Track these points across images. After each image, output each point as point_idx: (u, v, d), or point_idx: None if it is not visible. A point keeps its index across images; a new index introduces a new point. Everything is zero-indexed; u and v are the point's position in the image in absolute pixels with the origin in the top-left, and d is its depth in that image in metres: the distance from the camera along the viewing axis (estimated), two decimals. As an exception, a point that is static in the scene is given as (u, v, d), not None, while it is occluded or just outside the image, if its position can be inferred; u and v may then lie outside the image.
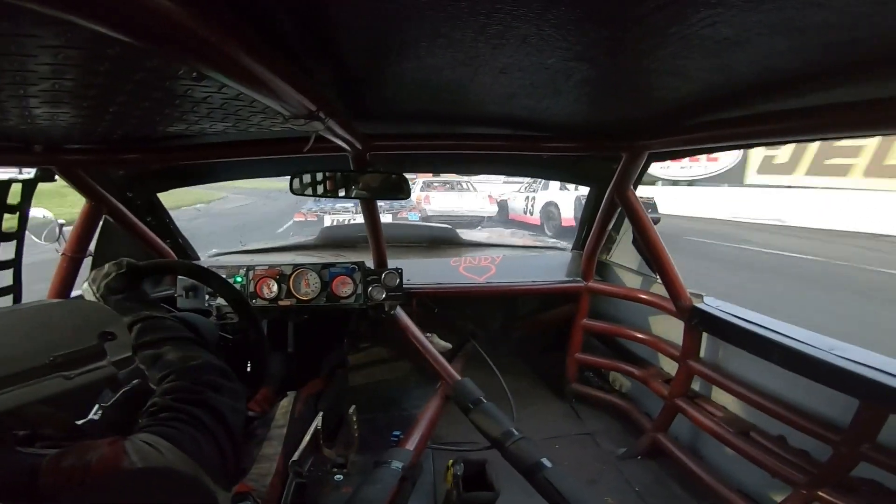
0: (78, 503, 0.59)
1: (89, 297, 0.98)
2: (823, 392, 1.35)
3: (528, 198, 11.77)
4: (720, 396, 1.83)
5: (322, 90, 0.96)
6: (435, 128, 1.66)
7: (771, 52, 0.75)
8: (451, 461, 1.60)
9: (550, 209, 10.77)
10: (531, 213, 11.53)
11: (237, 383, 0.87)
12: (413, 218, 9.05)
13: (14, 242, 1.17)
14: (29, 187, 1.21)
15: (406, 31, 0.72)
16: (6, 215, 1.11)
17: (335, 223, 8.14)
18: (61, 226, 1.71)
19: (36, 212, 1.67)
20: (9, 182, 1.04)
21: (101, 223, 1.74)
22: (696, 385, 1.93)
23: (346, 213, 8.96)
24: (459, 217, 10.63)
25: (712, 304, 1.85)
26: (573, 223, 9.08)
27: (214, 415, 0.76)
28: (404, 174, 1.66)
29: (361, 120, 1.41)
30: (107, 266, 1.01)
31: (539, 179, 10.67)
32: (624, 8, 0.61)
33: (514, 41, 0.74)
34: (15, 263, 1.12)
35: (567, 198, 10.20)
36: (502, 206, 12.98)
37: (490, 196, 11.97)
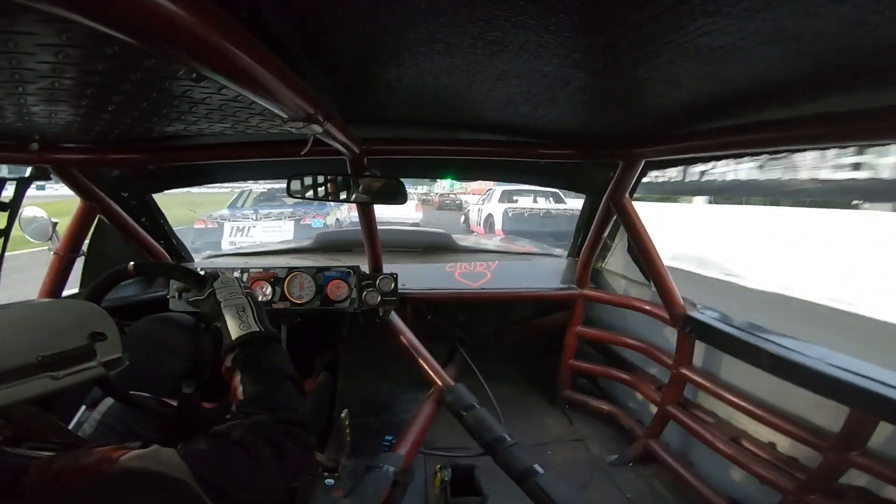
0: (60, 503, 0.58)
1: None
2: (813, 399, 1.36)
3: (479, 210, 12.61)
4: (711, 403, 1.84)
5: (320, 93, 0.97)
6: (432, 133, 1.66)
7: (765, 61, 0.76)
8: (438, 466, 1.60)
9: (491, 220, 11.60)
10: (479, 224, 12.37)
11: (314, 438, 0.94)
12: (316, 224, 8.72)
13: None
14: (22, 185, 1.20)
15: (404, 36, 0.72)
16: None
17: (235, 232, 8.00)
18: (54, 225, 1.70)
19: (29, 210, 1.66)
20: (2, 180, 1.04)
21: (94, 223, 1.73)
22: (688, 392, 1.94)
23: (255, 221, 8.32)
24: (383, 223, 10.60)
25: (705, 313, 1.86)
26: (501, 234, 10.23)
27: (280, 459, 0.78)
28: (401, 179, 1.66)
29: (359, 124, 1.41)
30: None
31: (490, 193, 12.18)
32: (621, 16, 0.62)
33: (512, 48, 0.74)
34: None
35: (500, 210, 11.13)
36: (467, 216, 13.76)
37: (417, 203, 12.45)
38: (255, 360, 0.93)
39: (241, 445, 0.75)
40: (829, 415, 1.35)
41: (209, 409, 1.24)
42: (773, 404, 1.53)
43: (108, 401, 1.27)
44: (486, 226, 11.71)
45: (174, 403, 1.29)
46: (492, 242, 3.90)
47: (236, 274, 1.98)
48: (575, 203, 11.04)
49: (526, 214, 11.06)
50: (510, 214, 10.96)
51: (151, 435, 1.23)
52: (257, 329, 0.97)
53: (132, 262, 1.20)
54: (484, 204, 12.42)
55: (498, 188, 11.94)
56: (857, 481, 1.30)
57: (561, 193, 11.30)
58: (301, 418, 0.87)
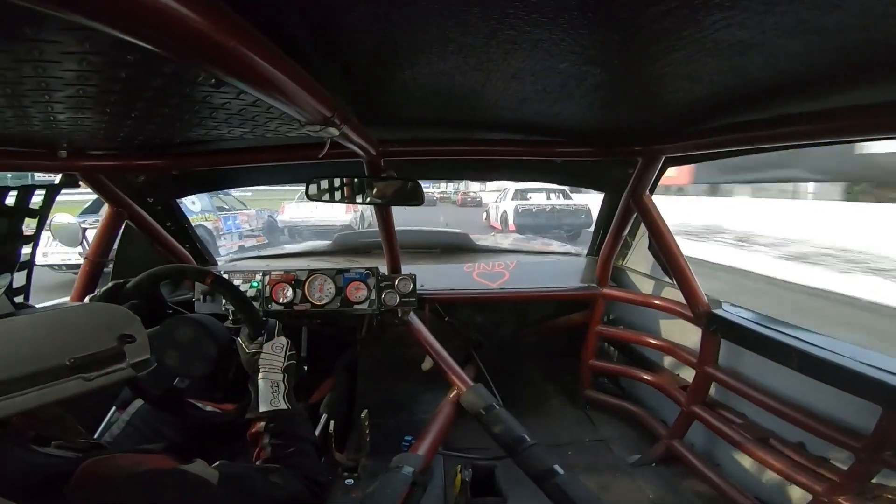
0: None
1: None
2: (844, 399, 1.32)
3: (496, 208, 13.53)
4: (738, 403, 1.79)
5: (336, 96, 0.98)
6: (448, 133, 1.66)
7: (786, 55, 0.74)
8: (459, 466, 1.59)
9: (505, 217, 12.50)
10: (497, 220, 13.33)
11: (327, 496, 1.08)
12: (229, 227, 9.03)
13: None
14: (51, 193, 1.24)
15: (417, 37, 0.72)
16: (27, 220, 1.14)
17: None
18: (84, 230, 1.75)
19: (60, 217, 1.72)
20: (32, 187, 1.07)
21: (122, 228, 1.78)
22: (713, 391, 1.90)
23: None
24: (310, 227, 11.08)
25: (730, 310, 1.82)
26: (513, 228, 11.68)
27: (295, 492, 0.90)
28: (419, 180, 1.67)
29: (375, 125, 1.42)
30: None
31: (506, 192, 13.08)
32: (635, 12, 0.61)
33: (525, 46, 0.74)
34: (29, 265, 1.15)
35: (512, 207, 12.22)
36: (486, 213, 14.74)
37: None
38: (283, 429, 1.06)
39: (268, 473, 0.89)
40: (861, 414, 1.31)
41: (229, 411, 1.29)
42: (803, 403, 1.49)
43: (138, 402, 1.32)
44: (502, 222, 12.46)
45: (202, 405, 1.34)
46: (510, 242, 3.88)
47: (258, 276, 2.02)
48: (579, 198, 12.14)
49: (534, 210, 12.06)
50: (520, 211, 11.88)
51: (176, 437, 1.28)
52: (284, 408, 1.09)
53: (212, 274, 1.33)
54: (500, 202, 13.26)
55: (512, 187, 12.64)
56: (891, 482, 1.26)
57: (567, 190, 12.27)
58: (321, 479, 1.00)
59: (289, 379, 1.14)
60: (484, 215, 14.60)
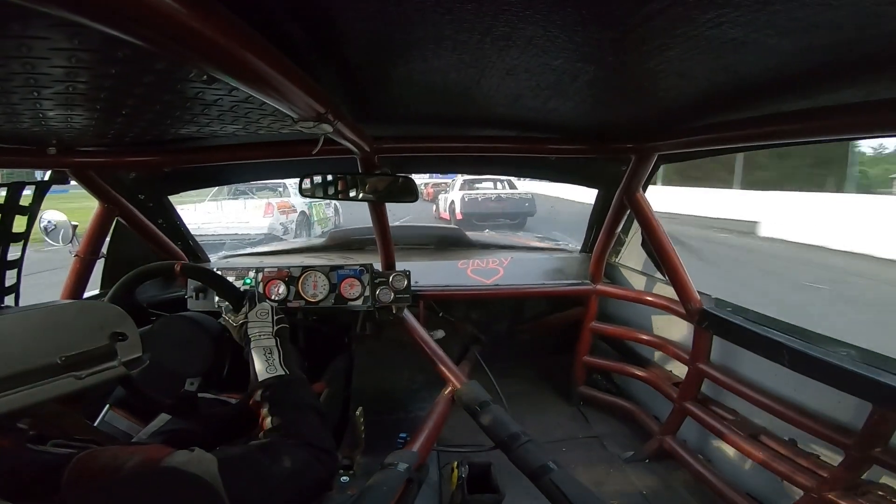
0: (100, 501, 0.60)
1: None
2: (835, 395, 1.33)
3: (445, 199, 13.25)
4: (730, 399, 1.81)
5: (330, 92, 0.97)
6: (442, 129, 1.66)
7: (779, 53, 0.75)
8: (455, 463, 1.60)
9: (453, 206, 12.31)
10: (445, 210, 12.99)
11: (335, 463, 0.96)
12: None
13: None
14: (41, 189, 1.23)
15: (411, 33, 0.72)
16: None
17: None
18: (74, 227, 1.73)
19: (49, 214, 1.70)
20: (22, 184, 1.06)
21: (113, 225, 1.76)
22: (705, 388, 1.92)
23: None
24: (204, 236, 8.99)
25: (723, 307, 1.83)
26: (460, 217, 11.68)
27: (301, 472, 0.82)
28: (412, 176, 1.66)
29: (369, 122, 1.41)
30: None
31: (454, 182, 12.97)
32: (629, 9, 0.61)
33: (520, 43, 0.74)
34: (19, 263, 1.14)
35: (459, 196, 12.12)
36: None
37: (269, 203, 8.87)
38: (282, 396, 0.98)
39: (268, 450, 0.80)
40: (851, 411, 1.32)
41: (240, 399, 1.27)
42: (794, 400, 1.51)
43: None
44: (450, 212, 12.46)
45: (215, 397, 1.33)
46: (504, 238, 3.89)
47: (251, 273, 2.01)
48: (524, 186, 12.45)
49: (480, 199, 12.12)
50: (466, 200, 11.95)
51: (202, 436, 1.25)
52: (282, 373, 1.02)
53: (180, 262, 1.26)
54: (448, 192, 13.29)
55: (460, 177, 12.47)
56: (880, 478, 1.28)
57: (514, 180, 12.46)
58: (327, 446, 0.91)
59: (282, 343, 1.09)
60: (434, 207, 14.25)
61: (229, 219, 8.46)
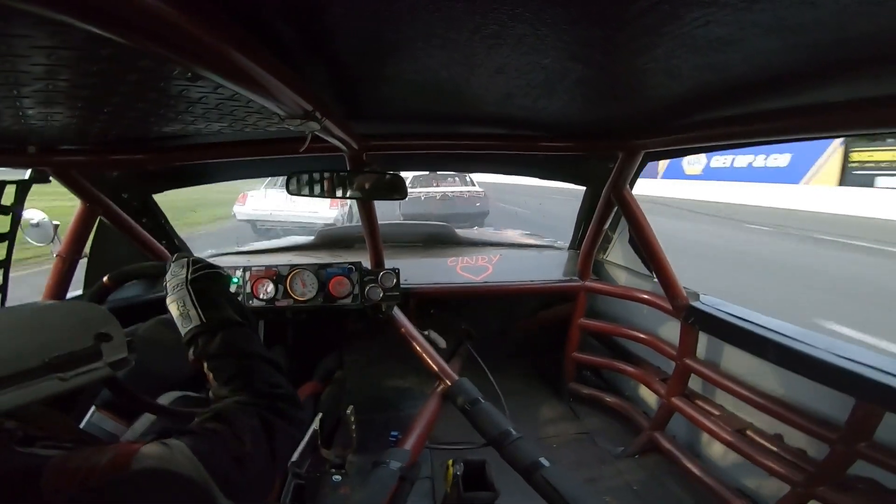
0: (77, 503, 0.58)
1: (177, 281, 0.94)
2: (819, 390, 1.35)
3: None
4: (717, 395, 1.84)
5: (318, 90, 0.96)
6: (431, 127, 1.65)
7: (764, 51, 0.76)
8: (450, 461, 1.60)
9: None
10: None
11: (302, 414, 0.86)
12: None
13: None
14: (23, 189, 1.20)
15: (401, 31, 0.72)
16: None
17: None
18: (55, 227, 1.70)
19: (30, 213, 1.67)
20: (2, 183, 1.04)
21: (95, 224, 1.73)
22: (693, 384, 1.94)
23: None
24: (279, 222, 9.59)
25: (708, 303, 1.86)
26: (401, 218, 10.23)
27: (267, 433, 0.74)
28: (401, 174, 1.66)
29: (358, 120, 1.40)
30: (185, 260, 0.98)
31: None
32: (618, 7, 0.61)
33: (510, 41, 0.74)
34: (5, 264, 1.11)
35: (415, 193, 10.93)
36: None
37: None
38: (214, 348, 0.86)
39: (227, 423, 0.71)
40: (836, 406, 1.35)
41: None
42: (780, 395, 1.53)
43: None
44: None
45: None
46: (493, 235, 3.89)
47: (238, 272, 1.98)
48: (481, 178, 11.32)
49: (422, 198, 10.84)
50: (422, 199, 10.72)
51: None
52: (198, 323, 0.87)
53: (107, 276, 1.21)
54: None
55: (409, 174, 11.17)
56: (864, 472, 1.30)
57: (470, 177, 11.31)
58: (283, 392, 0.83)
59: (199, 289, 0.91)
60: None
61: (301, 209, 9.27)
